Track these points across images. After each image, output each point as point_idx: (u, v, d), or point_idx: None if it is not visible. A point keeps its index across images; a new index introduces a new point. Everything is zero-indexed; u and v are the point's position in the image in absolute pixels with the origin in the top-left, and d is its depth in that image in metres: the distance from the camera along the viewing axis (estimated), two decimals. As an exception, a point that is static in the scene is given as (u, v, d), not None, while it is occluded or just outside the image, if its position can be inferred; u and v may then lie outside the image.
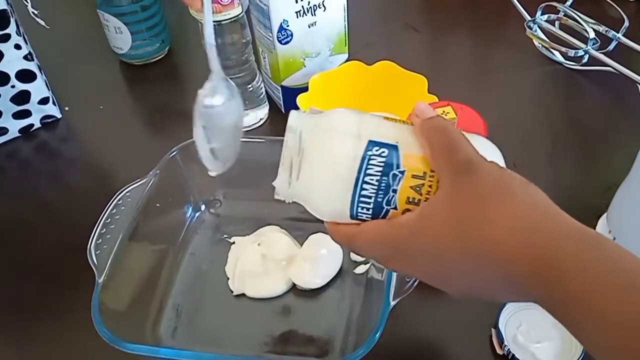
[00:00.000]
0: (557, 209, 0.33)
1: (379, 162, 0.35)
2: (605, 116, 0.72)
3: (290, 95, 0.69)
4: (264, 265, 0.56)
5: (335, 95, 0.67)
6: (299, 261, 0.56)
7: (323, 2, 0.67)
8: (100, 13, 0.78)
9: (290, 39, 0.67)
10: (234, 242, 0.59)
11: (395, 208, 0.36)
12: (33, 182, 0.70)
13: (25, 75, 0.70)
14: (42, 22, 0.70)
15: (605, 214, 0.55)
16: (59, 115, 0.76)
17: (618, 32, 0.73)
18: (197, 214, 0.62)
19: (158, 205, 0.57)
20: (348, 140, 0.36)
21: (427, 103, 0.39)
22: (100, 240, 0.51)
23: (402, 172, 0.35)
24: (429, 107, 0.38)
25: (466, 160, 0.34)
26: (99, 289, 0.48)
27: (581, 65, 0.76)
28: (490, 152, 0.38)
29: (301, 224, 0.59)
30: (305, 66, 0.71)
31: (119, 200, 0.54)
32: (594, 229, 0.45)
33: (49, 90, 0.73)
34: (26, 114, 0.73)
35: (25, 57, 0.69)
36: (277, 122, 0.73)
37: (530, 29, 0.77)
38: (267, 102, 0.73)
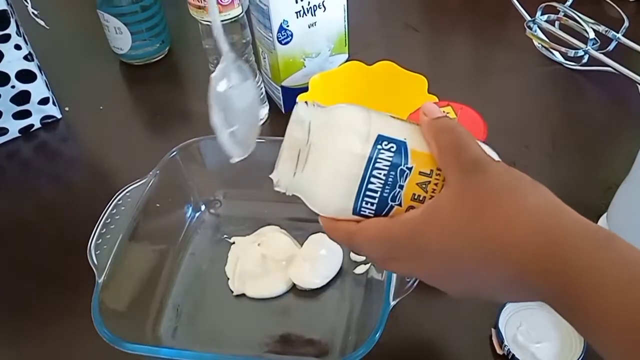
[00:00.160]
0: (567, 207, 0.33)
1: (388, 156, 0.35)
2: (605, 116, 0.72)
3: (290, 96, 0.69)
4: (264, 265, 0.56)
5: (335, 96, 0.67)
6: (299, 261, 0.56)
7: (323, 2, 0.67)
8: (100, 13, 0.78)
9: (290, 39, 0.67)
10: (234, 242, 0.59)
11: (400, 205, 0.36)
12: (33, 182, 0.70)
13: (25, 76, 0.70)
14: (42, 23, 0.70)
15: (605, 214, 0.55)
16: (59, 116, 0.76)
17: (618, 32, 0.73)
18: (197, 214, 0.62)
19: (158, 205, 0.57)
20: (358, 134, 0.36)
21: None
22: (100, 240, 0.51)
23: (410, 169, 0.35)
24: (436, 107, 0.38)
25: (474, 159, 0.34)
26: (99, 289, 0.48)
27: (581, 66, 0.76)
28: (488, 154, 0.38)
29: (301, 224, 0.59)
30: (305, 66, 0.71)
31: (119, 200, 0.54)
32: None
33: (49, 90, 0.73)
34: (26, 114, 0.73)
35: (26, 58, 0.69)
36: (277, 122, 0.73)
37: (530, 29, 0.77)
38: (267, 102, 0.73)
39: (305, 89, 0.68)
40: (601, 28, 0.74)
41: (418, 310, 0.52)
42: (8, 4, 0.65)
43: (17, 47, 0.68)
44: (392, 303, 0.45)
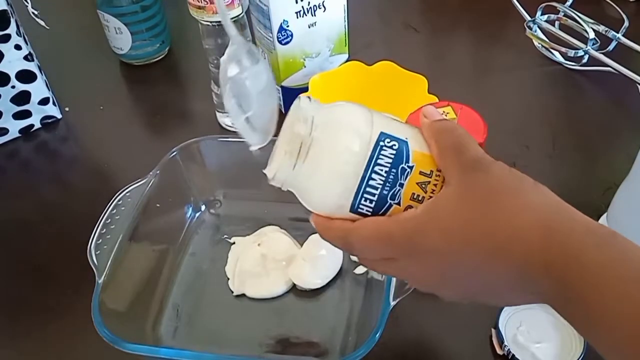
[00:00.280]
0: (570, 206, 0.33)
1: (390, 153, 0.35)
2: (605, 116, 0.72)
3: (291, 96, 0.69)
4: (264, 265, 0.56)
5: (335, 96, 0.67)
6: (299, 261, 0.56)
7: (323, 2, 0.67)
8: (101, 13, 0.78)
9: (290, 39, 0.67)
10: (234, 242, 0.59)
11: (399, 204, 0.35)
12: (33, 182, 0.70)
13: (26, 76, 0.70)
14: (42, 23, 0.70)
15: (605, 214, 0.55)
16: (59, 116, 0.76)
17: (618, 32, 0.73)
18: (197, 214, 0.62)
19: (158, 205, 0.57)
20: (360, 130, 0.35)
21: (428, 104, 0.39)
22: (100, 240, 0.51)
23: (411, 167, 0.35)
24: (436, 109, 0.38)
25: (476, 159, 0.34)
26: (99, 289, 0.48)
27: (581, 66, 0.76)
28: None
29: (301, 224, 0.59)
30: (305, 66, 0.71)
31: (119, 200, 0.54)
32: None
33: (49, 90, 0.73)
34: (26, 114, 0.73)
35: (26, 58, 0.69)
36: (277, 122, 0.72)
37: (530, 29, 0.77)
38: (267, 103, 0.73)
39: (305, 89, 0.68)
40: (601, 28, 0.74)
41: (418, 310, 0.52)
42: (8, 4, 0.65)
43: (17, 47, 0.68)
44: (392, 303, 0.45)
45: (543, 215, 0.32)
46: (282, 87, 0.71)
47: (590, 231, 0.31)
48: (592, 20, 0.74)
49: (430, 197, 0.35)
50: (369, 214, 0.36)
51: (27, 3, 0.68)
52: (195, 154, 0.60)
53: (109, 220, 0.53)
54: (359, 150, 0.35)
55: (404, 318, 0.52)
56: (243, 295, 0.55)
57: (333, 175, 0.35)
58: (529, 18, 0.78)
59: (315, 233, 0.56)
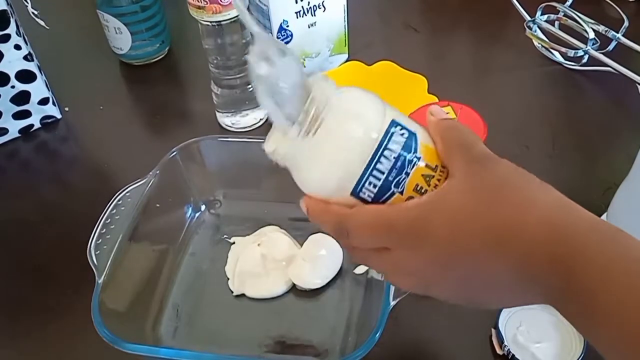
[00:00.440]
0: (574, 203, 0.33)
1: (400, 140, 0.35)
2: (605, 116, 0.72)
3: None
4: (263, 265, 0.56)
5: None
6: (299, 261, 0.56)
7: (323, 2, 0.67)
8: (100, 13, 0.78)
9: (290, 40, 0.67)
10: (234, 242, 0.59)
11: (402, 193, 0.35)
12: (33, 182, 0.70)
13: (25, 76, 0.70)
14: (42, 23, 0.70)
15: (605, 214, 0.55)
16: (59, 116, 0.76)
17: (618, 33, 0.73)
18: (197, 214, 0.62)
19: (158, 205, 0.57)
20: (374, 112, 0.35)
21: (428, 104, 0.40)
22: (100, 240, 0.51)
23: (418, 159, 0.35)
24: (442, 109, 0.38)
25: (482, 155, 0.34)
26: (99, 289, 0.48)
27: (581, 66, 0.76)
28: None
29: (301, 224, 0.59)
30: (305, 66, 0.71)
31: (119, 200, 0.54)
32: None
33: (48, 90, 0.73)
34: (26, 114, 0.73)
35: (25, 58, 0.69)
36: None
37: (530, 29, 0.77)
38: (267, 103, 0.73)
39: (305, 89, 0.68)
40: (601, 28, 0.74)
41: (418, 310, 0.52)
42: (8, 4, 0.65)
43: (17, 47, 0.68)
44: (392, 303, 0.45)
45: (548, 211, 0.32)
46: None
47: (595, 227, 0.31)
48: (592, 20, 0.74)
49: (433, 191, 0.35)
50: (369, 199, 0.35)
51: (27, 3, 0.68)
52: (195, 154, 0.60)
53: (109, 220, 0.53)
54: (370, 134, 0.34)
55: (404, 318, 0.52)
56: (243, 295, 0.55)
57: (340, 155, 0.35)
58: (529, 18, 0.78)
59: (316, 233, 0.57)
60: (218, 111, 0.72)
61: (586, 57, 0.74)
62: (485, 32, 0.86)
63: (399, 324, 0.51)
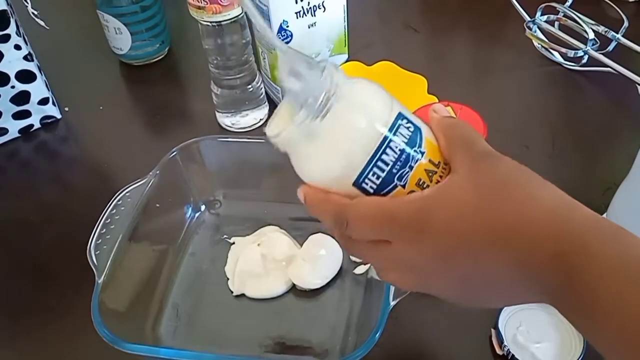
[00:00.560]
0: (576, 201, 0.32)
1: (406, 133, 0.35)
2: (604, 116, 0.72)
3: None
4: (263, 265, 0.56)
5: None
6: (299, 261, 0.56)
7: (323, 2, 0.67)
8: (100, 14, 0.78)
9: (290, 40, 0.67)
10: (233, 243, 0.59)
11: (404, 186, 0.35)
12: (33, 182, 0.70)
13: (25, 76, 0.70)
14: (42, 23, 0.70)
15: (605, 214, 0.55)
16: (59, 116, 0.76)
17: (617, 33, 0.74)
18: (197, 214, 0.62)
19: (158, 205, 0.57)
20: (382, 104, 0.35)
21: (428, 104, 0.40)
22: (100, 240, 0.51)
23: (422, 153, 0.35)
24: (445, 108, 0.38)
25: (485, 152, 0.34)
26: (98, 289, 0.48)
27: (581, 66, 0.76)
28: None
29: (301, 224, 0.59)
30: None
31: (118, 200, 0.54)
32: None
33: (48, 90, 0.73)
34: (26, 114, 0.73)
35: (25, 58, 0.69)
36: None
37: (530, 29, 0.77)
38: (266, 103, 0.73)
39: (305, 89, 0.68)
40: (601, 28, 0.74)
41: (418, 310, 0.52)
42: (8, 4, 0.65)
43: (17, 47, 0.68)
44: (392, 303, 0.45)
45: (551, 208, 0.32)
46: (282, 87, 0.71)
47: (597, 225, 0.31)
48: (591, 21, 0.74)
49: (436, 185, 0.35)
50: (371, 191, 0.35)
51: (27, 3, 0.68)
52: (195, 154, 0.60)
53: (109, 220, 0.53)
54: (377, 125, 0.34)
55: (404, 318, 0.52)
56: (243, 295, 0.55)
57: (346, 144, 0.34)
58: (529, 18, 0.78)
59: (315, 233, 0.57)
60: (218, 111, 0.72)
61: (586, 57, 0.74)
62: (485, 32, 0.86)
63: (399, 324, 0.51)
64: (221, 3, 0.61)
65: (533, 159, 0.65)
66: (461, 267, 0.33)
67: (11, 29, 0.66)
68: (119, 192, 0.55)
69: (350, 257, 0.57)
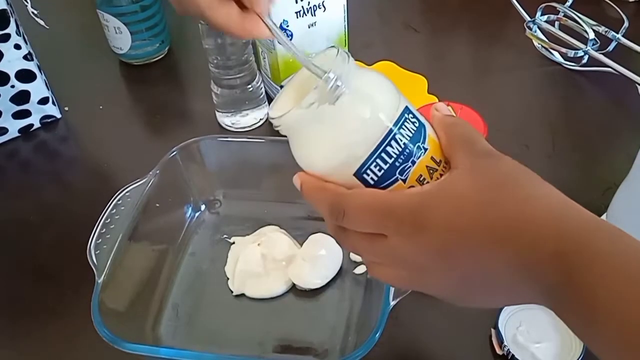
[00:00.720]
0: (576, 203, 0.33)
1: (411, 127, 0.35)
2: (604, 116, 0.72)
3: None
4: (263, 265, 0.56)
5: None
6: (299, 261, 0.55)
7: (323, 2, 0.67)
8: (100, 13, 0.78)
9: (290, 39, 0.67)
10: (233, 242, 0.59)
11: (404, 181, 0.35)
12: (33, 182, 0.70)
13: (25, 75, 0.70)
14: (42, 22, 0.70)
15: (605, 214, 0.55)
16: (59, 115, 0.76)
17: (618, 33, 0.73)
18: (197, 214, 0.62)
19: (158, 205, 0.57)
20: (390, 97, 0.35)
21: (428, 104, 0.40)
22: (100, 240, 0.51)
23: (425, 149, 0.35)
24: (447, 107, 0.38)
25: (487, 150, 0.35)
26: (98, 289, 0.48)
27: (581, 66, 0.76)
28: None
29: (301, 224, 0.59)
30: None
31: (118, 200, 0.54)
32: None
33: (48, 90, 0.73)
34: (26, 113, 0.73)
35: (25, 57, 0.69)
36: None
37: (530, 29, 0.77)
38: (266, 103, 0.73)
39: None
40: (601, 28, 0.74)
41: (418, 310, 0.52)
42: (8, 3, 0.65)
43: (17, 46, 0.68)
44: (392, 303, 0.45)
45: (552, 207, 0.32)
46: (282, 87, 0.71)
47: (598, 226, 0.31)
48: (592, 21, 0.74)
49: (436, 181, 0.35)
50: (371, 182, 0.35)
51: (27, 2, 0.68)
52: (195, 154, 0.60)
53: (109, 220, 0.53)
54: (383, 116, 0.34)
55: (404, 318, 0.52)
56: (243, 295, 0.55)
57: (350, 133, 0.34)
58: (529, 18, 0.78)
59: (315, 233, 0.57)
60: (218, 111, 0.72)
61: (586, 57, 0.74)
62: (485, 32, 0.86)
63: (399, 324, 0.51)
64: (221, 3, 0.61)
65: (533, 159, 0.65)
66: (461, 266, 0.33)
67: (11, 29, 0.66)
68: (119, 191, 0.55)
69: (350, 257, 0.57)
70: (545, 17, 0.77)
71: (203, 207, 0.62)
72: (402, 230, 0.33)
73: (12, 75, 0.69)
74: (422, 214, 0.33)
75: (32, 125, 0.74)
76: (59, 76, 0.78)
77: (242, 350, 0.52)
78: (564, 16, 0.76)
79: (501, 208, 0.32)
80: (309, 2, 0.66)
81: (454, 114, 0.38)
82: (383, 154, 0.34)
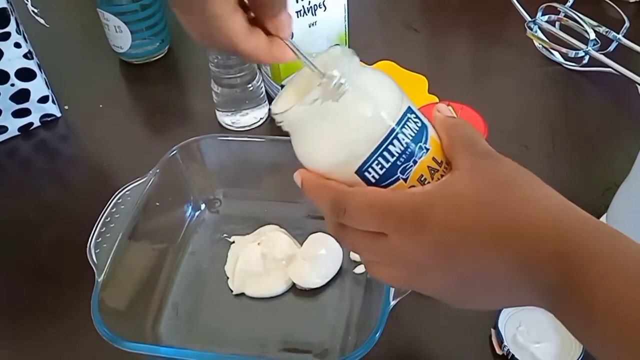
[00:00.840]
0: (575, 205, 0.33)
1: (414, 128, 0.35)
2: (605, 117, 0.72)
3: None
4: (263, 264, 0.56)
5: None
6: (299, 261, 0.55)
7: (323, 1, 0.67)
8: (100, 12, 0.78)
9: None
10: (233, 242, 0.59)
11: (405, 180, 0.35)
12: (33, 180, 0.70)
13: (25, 74, 0.70)
14: (42, 21, 0.70)
15: (605, 215, 0.55)
16: (59, 114, 0.76)
17: (618, 33, 0.73)
18: (197, 213, 0.62)
19: (158, 204, 0.57)
20: (393, 96, 0.35)
21: (428, 104, 0.40)
22: (100, 239, 0.51)
23: (427, 150, 0.35)
24: (449, 108, 0.38)
25: (486, 152, 0.35)
26: (98, 288, 0.48)
27: (581, 66, 0.76)
28: None
29: (301, 223, 0.59)
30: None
31: (118, 199, 0.54)
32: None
33: (48, 88, 0.73)
34: (26, 112, 0.73)
35: (25, 56, 0.69)
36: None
37: (531, 29, 0.77)
38: (267, 102, 0.73)
39: (305, 89, 0.68)
40: (602, 29, 0.74)
41: (418, 310, 0.52)
42: (8, 1, 0.65)
43: (17, 45, 0.67)
44: (392, 303, 0.45)
45: (552, 208, 0.32)
46: (282, 86, 0.71)
47: (597, 227, 0.31)
48: (593, 21, 0.74)
49: (437, 182, 0.35)
50: (373, 181, 0.35)
51: (27, 1, 0.68)
52: (195, 153, 0.60)
53: (109, 218, 0.53)
54: (386, 115, 0.34)
55: (404, 318, 0.52)
56: (243, 294, 0.55)
57: (353, 130, 0.34)
58: (529, 18, 0.78)
59: (315, 232, 0.57)
60: (218, 110, 0.72)
61: (587, 57, 0.74)
62: (485, 32, 0.86)
63: (399, 324, 0.51)
64: (222, 2, 0.61)
65: (533, 159, 0.66)
66: (460, 266, 0.33)
67: (11, 27, 0.66)
68: (119, 190, 0.55)
69: (351, 256, 0.57)
70: (546, 17, 0.77)
71: (203, 206, 0.62)
72: (402, 229, 0.33)
73: (12, 74, 0.69)
74: (423, 213, 0.33)
75: (31, 123, 0.74)
76: (59, 75, 0.78)
77: (242, 350, 0.52)
78: (564, 16, 0.76)
79: (500, 208, 0.32)
80: (309, 2, 0.66)
81: (456, 116, 0.38)
82: (385, 153, 0.34)
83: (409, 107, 0.35)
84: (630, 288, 0.28)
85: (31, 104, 0.72)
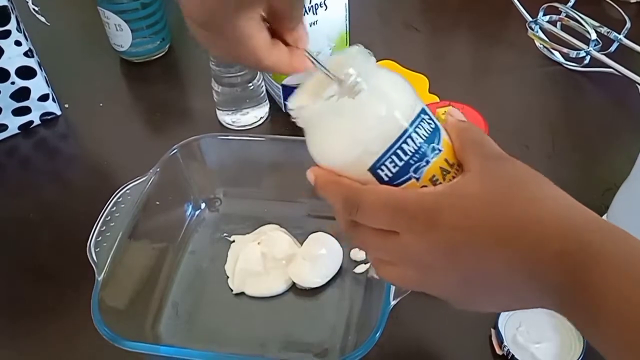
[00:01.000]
0: (581, 204, 0.33)
1: (427, 128, 0.35)
2: (605, 117, 0.72)
3: (291, 94, 0.69)
4: (263, 264, 0.56)
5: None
6: (299, 260, 0.55)
7: (324, 1, 0.67)
8: (101, 10, 0.78)
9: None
10: (234, 241, 0.59)
11: (418, 180, 0.35)
12: (33, 179, 0.70)
13: (25, 72, 0.70)
14: (43, 19, 0.70)
15: (605, 215, 0.55)
16: (59, 112, 0.76)
17: (619, 34, 0.73)
18: (197, 212, 0.62)
19: (158, 203, 0.57)
20: (409, 95, 0.36)
21: (428, 104, 0.40)
22: (100, 237, 0.51)
23: (440, 151, 0.36)
24: (461, 113, 0.39)
25: (496, 154, 0.35)
26: (98, 287, 0.48)
27: (582, 66, 0.76)
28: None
29: (301, 222, 0.59)
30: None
31: (119, 198, 0.54)
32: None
33: (48, 87, 0.73)
34: (26, 110, 0.73)
35: (26, 54, 0.69)
36: (277, 121, 0.73)
37: (532, 29, 0.77)
38: (267, 101, 0.73)
39: (306, 88, 0.68)
40: (603, 29, 0.74)
41: (418, 310, 0.52)
42: (9, 0, 0.65)
43: (18, 43, 0.67)
44: (392, 303, 0.45)
45: (559, 208, 0.32)
46: (282, 85, 0.71)
47: (603, 226, 0.32)
48: (594, 22, 0.74)
49: (449, 183, 0.35)
50: (386, 179, 0.35)
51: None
52: (195, 152, 0.60)
53: (109, 217, 0.53)
54: (401, 114, 0.35)
55: (404, 318, 0.51)
56: (243, 293, 0.55)
57: (368, 128, 0.34)
58: (530, 18, 0.78)
59: (316, 232, 0.57)
60: (218, 109, 0.72)
61: (588, 58, 0.74)
62: (486, 32, 0.86)
63: (399, 323, 0.51)
64: (222, 1, 0.61)
65: (533, 159, 0.65)
66: (463, 265, 0.33)
67: (12, 25, 0.66)
68: (119, 189, 0.55)
69: (351, 256, 0.57)
70: (547, 17, 0.77)
71: (203, 205, 0.62)
72: (414, 227, 0.34)
73: (12, 72, 0.69)
74: (432, 213, 0.33)
75: (32, 122, 0.74)
76: (59, 73, 0.78)
77: (242, 349, 0.52)
78: (565, 16, 0.76)
79: (506, 208, 0.32)
80: (310, 1, 0.66)
81: (466, 120, 0.39)
82: (398, 151, 0.34)
83: (423, 109, 0.36)
84: (636, 288, 0.28)
85: (31, 102, 0.72)
